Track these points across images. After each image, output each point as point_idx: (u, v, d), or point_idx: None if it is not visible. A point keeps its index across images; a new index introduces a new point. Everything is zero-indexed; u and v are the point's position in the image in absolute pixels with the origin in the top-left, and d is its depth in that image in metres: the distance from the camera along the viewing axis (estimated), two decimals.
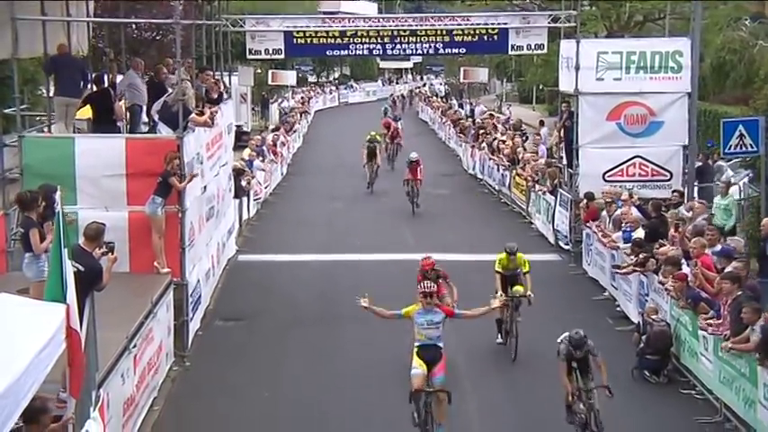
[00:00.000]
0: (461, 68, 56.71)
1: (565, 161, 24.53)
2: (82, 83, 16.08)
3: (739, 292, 12.38)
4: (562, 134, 25.06)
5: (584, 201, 20.46)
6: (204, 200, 16.96)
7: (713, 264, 14.42)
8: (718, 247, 14.90)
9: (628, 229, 17.73)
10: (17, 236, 12.93)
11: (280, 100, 55.55)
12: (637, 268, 16.17)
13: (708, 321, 13.09)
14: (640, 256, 16.17)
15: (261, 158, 29.55)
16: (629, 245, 17.07)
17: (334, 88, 76.14)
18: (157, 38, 33.25)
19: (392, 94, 69.14)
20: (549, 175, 23.88)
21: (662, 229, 17.12)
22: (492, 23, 22.76)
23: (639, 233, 17.21)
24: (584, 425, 11.35)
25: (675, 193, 18.87)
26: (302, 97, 62.48)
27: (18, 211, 12.63)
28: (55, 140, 15.27)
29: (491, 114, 42.33)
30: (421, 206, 27.03)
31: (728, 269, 13.51)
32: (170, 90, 16.10)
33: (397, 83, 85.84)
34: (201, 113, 16.47)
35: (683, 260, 14.92)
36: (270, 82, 53.25)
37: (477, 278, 19.64)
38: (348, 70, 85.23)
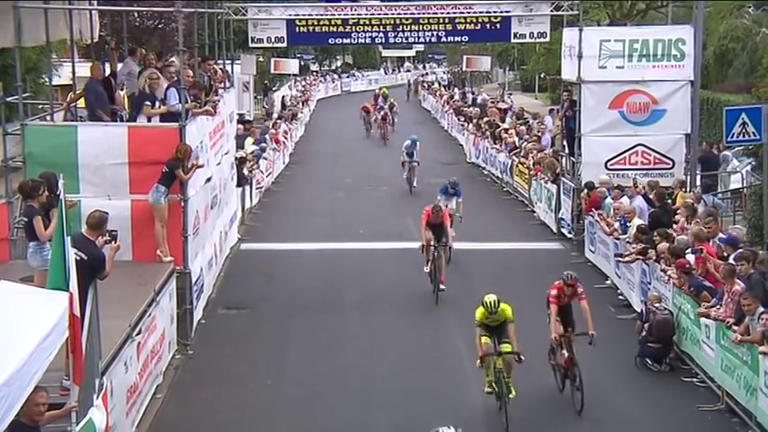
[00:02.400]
0: (464, 57, 56.59)
1: (567, 150, 24.49)
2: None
3: (752, 271, 12.46)
4: (563, 123, 25.01)
5: (585, 190, 20.47)
6: (208, 189, 16.96)
7: (715, 252, 14.47)
8: (724, 236, 14.93)
9: (622, 221, 17.76)
10: (20, 224, 12.94)
11: (273, 91, 54.35)
12: (638, 257, 16.18)
13: (710, 309, 13.12)
14: (641, 245, 16.20)
15: (264, 145, 29.61)
16: (629, 234, 17.09)
17: (336, 77, 76.14)
18: (159, 26, 33.23)
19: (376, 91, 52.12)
20: (547, 165, 23.90)
21: (665, 218, 17.11)
22: (494, 11, 22.68)
23: (637, 222, 17.22)
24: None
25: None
26: (304, 86, 62.49)
27: (20, 200, 12.63)
28: (57, 129, 15.26)
29: (492, 103, 42.30)
30: (422, 193, 27.06)
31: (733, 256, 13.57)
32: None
33: (399, 71, 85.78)
34: (198, 105, 16.39)
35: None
36: (272, 70, 53.19)
37: (479, 267, 19.71)
38: (351, 59, 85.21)
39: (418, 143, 28.88)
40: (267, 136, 31.65)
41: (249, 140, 28.79)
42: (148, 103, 15.19)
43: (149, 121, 15.21)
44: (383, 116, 41.82)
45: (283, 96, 51.16)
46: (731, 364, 12.29)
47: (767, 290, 12.24)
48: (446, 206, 19.49)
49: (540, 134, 29.81)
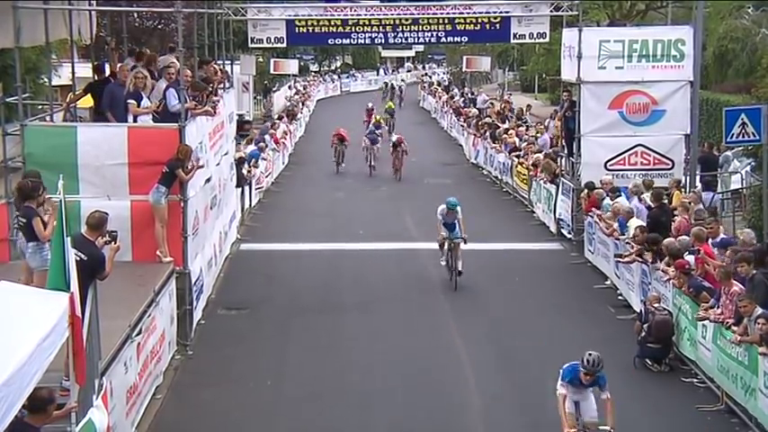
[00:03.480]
0: (464, 57, 56.59)
1: (566, 150, 24.51)
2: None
3: (754, 272, 12.46)
4: (562, 124, 25.03)
5: (585, 190, 20.48)
6: (207, 189, 16.96)
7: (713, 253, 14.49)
8: (718, 239, 14.94)
9: (621, 221, 17.77)
10: (18, 225, 12.93)
11: (273, 91, 53.87)
12: (637, 258, 16.19)
13: (709, 310, 13.12)
14: (639, 246, 16.21)
15: (264, 146, 29.63)
16: (629, 234, 17.10)
17: (336, 77, 76.16)
18: (159, 26, 33.26)
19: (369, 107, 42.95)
20: (544, 167, 23.91)
21: (663, 218, 17.12)
22: (494, 12, 22.72)
23: (635, 222, 17.23)
24: None
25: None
26: (304, 86, 62.51)
27: (18, 201, 12.60)
28: (57, 129, 15.25)
29: (491, 104, 42.33)
30: (422, 195, 27.07)
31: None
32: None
33: (398, 71, 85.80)
34: (197, 105, 16.38)
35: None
36: (272, 71, 53.22)
37: (479, 267, 19.71)
38: (350, 59, 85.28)
39: (459, 208, 18.34)
40: (267, 136, 31.65)
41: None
42: (132, 101, 15.14)
43: (135, 120, 15.17)
44: (396, 141, 31.72)
45: (288, 97, 51.10)
46: (726, 364, 12.30)
47: None
48: (576, 403, 10.68)
49: (538, 134, 29.83)
